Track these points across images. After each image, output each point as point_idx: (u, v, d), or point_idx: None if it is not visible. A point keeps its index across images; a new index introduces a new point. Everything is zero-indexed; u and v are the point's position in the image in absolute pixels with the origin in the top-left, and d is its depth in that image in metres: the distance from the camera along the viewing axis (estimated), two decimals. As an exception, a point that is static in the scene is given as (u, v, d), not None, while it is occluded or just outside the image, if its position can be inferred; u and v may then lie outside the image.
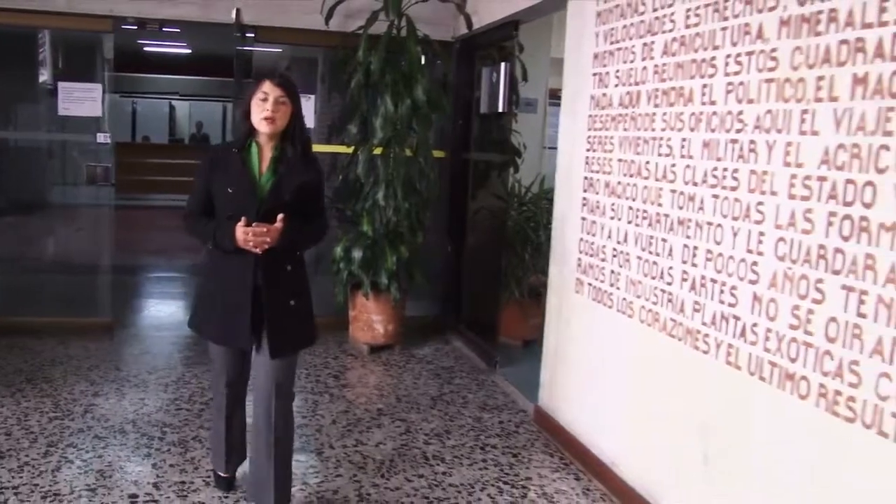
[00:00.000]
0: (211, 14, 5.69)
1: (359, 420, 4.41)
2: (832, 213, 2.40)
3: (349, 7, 5.72)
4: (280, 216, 2.90)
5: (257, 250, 2.92)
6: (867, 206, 2.27)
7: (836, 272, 2.38)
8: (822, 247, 2.43)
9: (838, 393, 2.37)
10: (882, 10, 2.24)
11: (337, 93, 6.24)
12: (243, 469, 3.50)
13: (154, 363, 5.30)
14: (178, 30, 6.90)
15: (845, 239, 2.35)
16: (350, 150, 5.69)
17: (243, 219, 2.88)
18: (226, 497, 3.43)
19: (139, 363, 5.29)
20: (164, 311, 7.02)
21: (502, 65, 5.42)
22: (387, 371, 5.36)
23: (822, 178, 2.44)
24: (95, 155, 6.08)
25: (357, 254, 5.49)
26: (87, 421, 4.21)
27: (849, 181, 2.34)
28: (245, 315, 3.02)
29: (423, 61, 5.61)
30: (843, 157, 2.36)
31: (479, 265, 6.14)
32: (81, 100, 5.70)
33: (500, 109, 5.51)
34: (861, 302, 2.29)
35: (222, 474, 3.50)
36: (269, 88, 2.95)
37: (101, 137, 5.81)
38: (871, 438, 2.25)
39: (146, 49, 13.62)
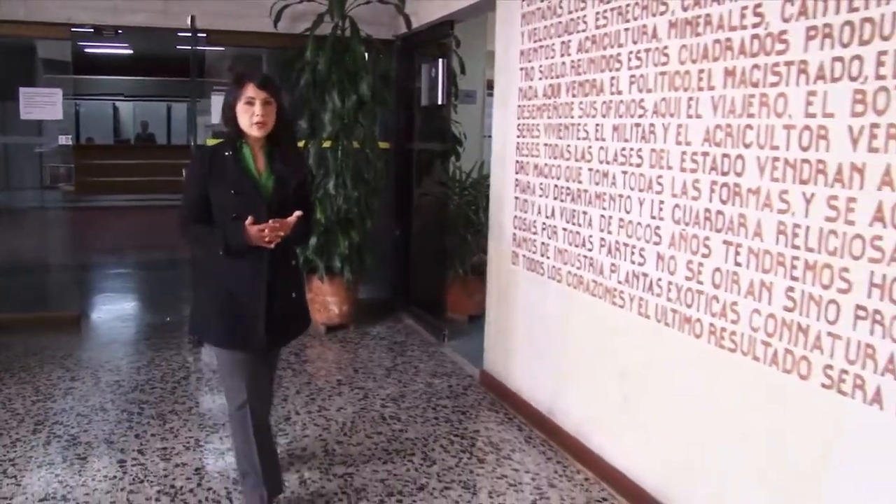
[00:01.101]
0: (165, 20, 6.03)
1: (320, 390, 4.83)
2: (713, 182, 2.90)
3: (295, 10, 6.09)
4: (296, 213, 2.92)
5: (271, 246, 2.92)
6: (738, 174, 2.78)
7: (718, 230, 2.88)
8: (707, 210, 2.94)
9: (723, 330, 2.88)
10: (742, 16, 2.74)
11: (285, 91, 6.60)
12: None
13: (124, 350, 5.65)
14: (132, 37, 7.18)
15: (723, 202, 2.85)
16: (301, 144, 6.09)
17: (250, 217, 2.86)
18: (205, 458, 3.84)
19: (110, 350, 5.63)
20: (126, 304, 7.33)
21: (440, 61, 5.87)
22: (343, 347, 5.79)
23: (705, 154, 2.94)
24: (58, 157, 6.38)
25: (311, 240, 5.90)
26: (69, 402, 4.56)
27: (724, 155, 2.84)
28: (260, 314, 3.02)
29: (366, 59, 6.03)
30: (719, 135, 2.87)
31: (425, 248, 6.59)
32: (42, 104, 5.98)
33: (440, 102, 5.96)
34: (737, 253, 2.80)
35: None
36: (253, 92, 2.92)
37: (63, 139, 6.11)
38: (748, 363, 2.76)
39: (87, 51, 13.74)
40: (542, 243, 4.15)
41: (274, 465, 3.29)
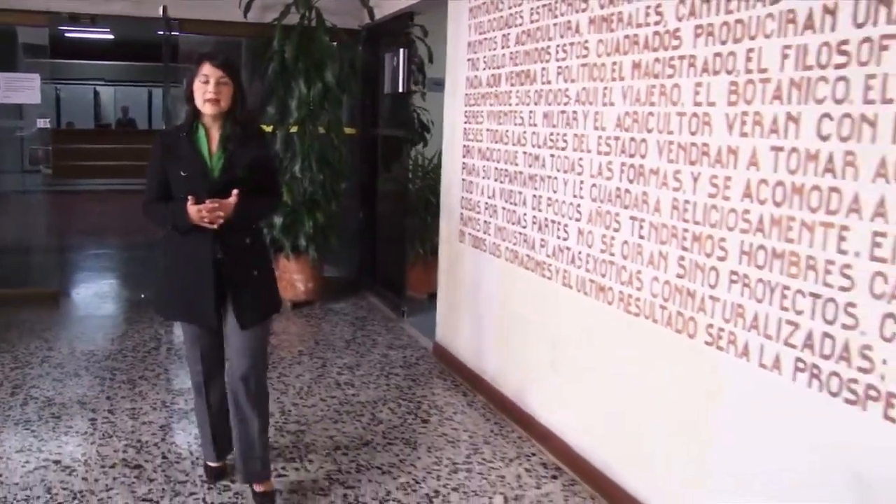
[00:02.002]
0: (140, 9, 6.30)
1: (282, 359, 5.15)
2: (623, 164, 3.23)
3: (265, 1, 6.37)
4: (235, 191, 2.96)
5: (213, 226, 2.97)
6: (642, 156, 3.11)
7: (626, 207, 3.22)
8: (618, 189, 3.27)
9: (630, 296, 3.22)
10: (647, 14, 3.07)
11: (258, 78, 6.88)
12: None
13: (100, 323, 5.96)
14: (108, 25, 7.44)
15: (630, 182, 3.18)
16: (269, 129, 6.38)
17: (190, 197, 2.93)
18: (170, 417, 4.16)
19: (86, 323, 5.94)
20: (103, 282, 7.61)
21: (401, 50, 6.18)
22: (307, 322, 6.11)
23: (616, 138, 3.27)
24: (37, 141, 6.65)
25: (278, 220, 6.20)
26: (45, 369, 4.86)
27: (632, 139, 3.17)
28: (208, 291, 3.08)
29: (333, 48, 6.32)
30: (628, 121, 3.19)
31: (388, 229, 6.90)
32: (20, 88, 6.25)
33: (401, 90, 6.26)
34: (641, 227, 3.13)
35: (212, 464, 3.47)
36: (209, 70, 2.98)
37: (41, 123, 6.39)
38: (650, 325, 3.10)
39: (67, 36, 13.89)
40: (485, 221, 4.48)
41: (224, 429, 3.38)
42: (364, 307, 6.61)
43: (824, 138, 2.31)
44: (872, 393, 2.18)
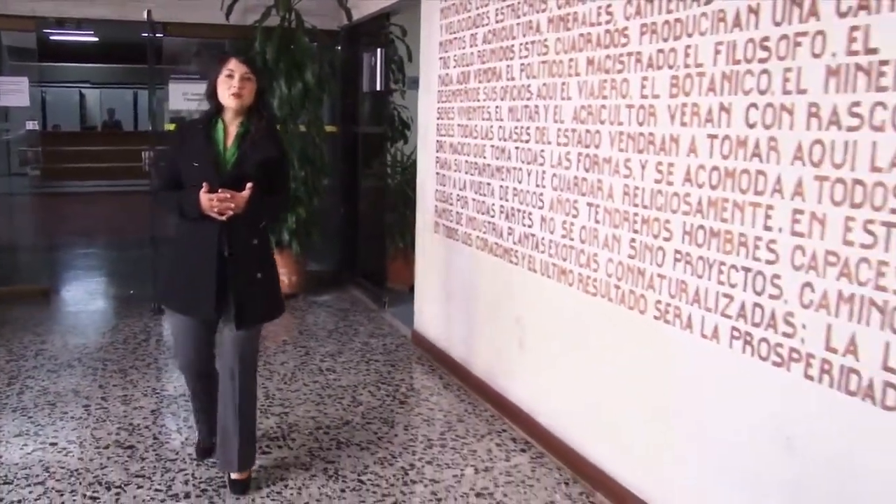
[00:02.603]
0: (124, 13, 6.49)
1: (267, 348, 5.36)
2: (580, 154, 3.46)
3: (247, 3, 6.58)
4: (249, 184, 3.02)
5: (222, 217, 3.02)
6: (596, 147, 3.34)
7: (584, 194, 3.45)
8: (575, 177, 3.50)
9: (588, 277, 3.45)
10: (598, 14, 3.30)
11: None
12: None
13: (90, 318, 6.16)
14: (93, 28, 7.62)
15: (587, 170, 3.41)
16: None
17: (205, 185, 2.99)
18: (160, 402, 4.37)
19: (77, 318, 6.14)
20: (93, 280, 7.80)
21: (378, 50, 6.39)
22: (291, 313, 6.32)
23: (573, 130, 3.50)
24: (25, 143, 6.84)
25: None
26: (40, 361, 5.06)
27: (587, 131, 3.40)
28: (210, 284, 3.11)
29: (312, 49, 6.52)
30: (584, 114, 3.42)
31: (369, 224, 7.12)
32: (9, 91, 6.43)
33: (378, 88, 6.48)
34: (596, 213, 3.36)
35: (201, 443, 3.69)
36: (234, 66, 3.08)
37: (31, 125, 6.57)
38: (606, 304, 3.33)
39: (52, 39, 14.02)
40: (457, 212, 4.70)
41: (208, 429, 3.55)
42: (347, 299, 6.83)
43: (751, 126, 2.54)
44: (795, 355, 2.41)
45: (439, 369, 4.97)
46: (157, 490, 3.36)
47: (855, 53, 2.19)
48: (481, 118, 4.35)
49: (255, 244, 3.20)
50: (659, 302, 3.01)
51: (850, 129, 2.20)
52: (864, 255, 2.18)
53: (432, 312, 5.21)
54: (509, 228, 4.10)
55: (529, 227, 3.90)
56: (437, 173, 4.98)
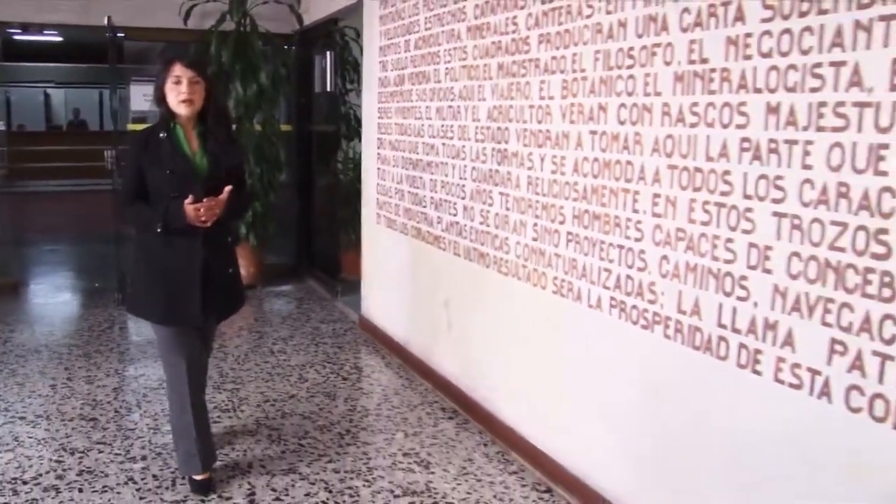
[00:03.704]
0: (86, 18, 6.82)
1: (223, 334, 5.73)
2: (493, 149, 3.88)
3: (205, 9, 6.92)
4: (227, 188, 3.07)
5: (207, 224, 3.06)
6: (506, 142, 3.76)
7: (497, 184, 3.86)
8: (490, 170, 3.91)
9: (501, 259, 3.86)
10: (506, 24, 3.72)
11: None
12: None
13: (57, 308, 6.52)
14: (57, 30, 7.94)
15: (499, 164, 3.83)
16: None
17: (190, 196, 3.01)
18: (122, 381, 4.74)
19: (45, 308, 6.50)
20: (60, 274, 8.14)
21: (328, 53, 6.79)
22: (248, 303, 6.65)
23: (487, 128, 3.92)
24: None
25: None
26: (8, 347, 5.40)
27: (498, 128, 3.82)
28: (196, 291, 3.15)
29: (268, 52, 6.89)
30: (496, 113, 3.84)
31: (324, 218, 7.51)
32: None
33: (328, 89, 6.87)
34: (507, 201, 3.78)
35: (197, 477, 3.38)
36: (180, 71, 3.04)
37: (-2, 125, 6.90)
38: (516, 283, 3.75)
39: (16, 38, 14.18)
40: (395, 204, 5.11)
41: (208, 437, 3.44)
42: (303, 289, 7.22)
43: (622, 123, 2.97)
44: (656, 318, 2.84)
45: (382, 350, 5.38)
46: (116, 454, 3.74)
47: (693, 62, 2.62)
48: (414, 117, 4.76)
49: (228, 242, 3.34)
50: (556, 278, 3.43)
51: (691, 125, 2.63)
52: (703, 231, 2.61)
53: (377, 299, 5.62)
54: (438, 217, 4.51)
55: (454, 215, 4.31)
56: (378, 168, 5.38)
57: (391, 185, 5.17)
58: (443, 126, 4.39)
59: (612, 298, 3.08)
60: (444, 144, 4.39)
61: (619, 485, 3.10)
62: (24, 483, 3.45)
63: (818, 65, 2.18)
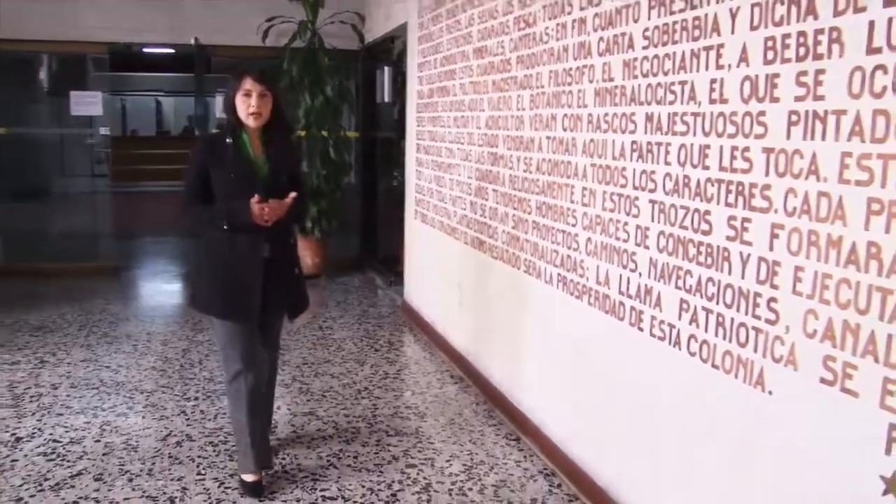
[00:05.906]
0: (176, 37, 7.87)
1: (283, 312, 6.59)
2: (489, 152, 4.58)
3: (280, 28, 7.86)
4: (291, 194, 3.20)
5: (269, 224, 3.17)
6: (497, 147, 4.45)
7: (491, 182, 4.56)
8: (487, 170, 4.61)
9: (493, 246, 4.56)
10: (498, 46, 4.42)
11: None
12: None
13: (149, 288, 7.58)
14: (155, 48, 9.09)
15: (493, 165, 4.53)
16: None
17: (256, 196, 3.11)
18: (190, 344, 5.65)
19: (138, 288, 7.56)
20: (154, 262, 9.24)
21: (385, 67, 7.61)
22: (310, 290, 7.54)
23: (485, 135, 4.62)
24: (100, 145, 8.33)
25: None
26: (104, 315, 6.43)
27: (493, 135, 4.52)
28: (256, 288, 3.25)
29: (335, 67, 7.75)
30: (490, 122, 4.54)
31: (386, 214, 8.33)
32: (88, 103, 7.86)
33: (387, 100, 7.69)
34: (497, 196, 4.47)
35: (249, 479, 3.40)
36: (251, 85, 3.17)
37: (103, 130, 8.02)
38: (500, 265, 4.44)
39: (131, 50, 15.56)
40: (427, 201, 5.86)
41: (264, 438, 3.49)
42: (363, 279, 8.06)
43: (565, 129, 3.64)
44: (584, 289, 3.50)
45: (416, 330, 6.13)
46: (175, 395, 4.63)
47: (607, 80, 3.27)
48: (440, 126, 5.50)
49: (291, 244, 3.49)
50: (526, 260, 4.11)
51: (605, 130, 3.29)
52: (610, 217, 3.26)
53: (416, 285, 6.38)
54: (454, 212, 5.23)
55: (464, 209, 5.03)
56: (416, 170, 6.14)
57: (425, 184, 5.92)
58: (458, 133, 5.11)
59: (559, 275, 3.74)
60: (458, 149, 5.12)
61: (564, 431, 3.75)
62: (102, 410, 4.36)
63: (672, 83, 2.82)
